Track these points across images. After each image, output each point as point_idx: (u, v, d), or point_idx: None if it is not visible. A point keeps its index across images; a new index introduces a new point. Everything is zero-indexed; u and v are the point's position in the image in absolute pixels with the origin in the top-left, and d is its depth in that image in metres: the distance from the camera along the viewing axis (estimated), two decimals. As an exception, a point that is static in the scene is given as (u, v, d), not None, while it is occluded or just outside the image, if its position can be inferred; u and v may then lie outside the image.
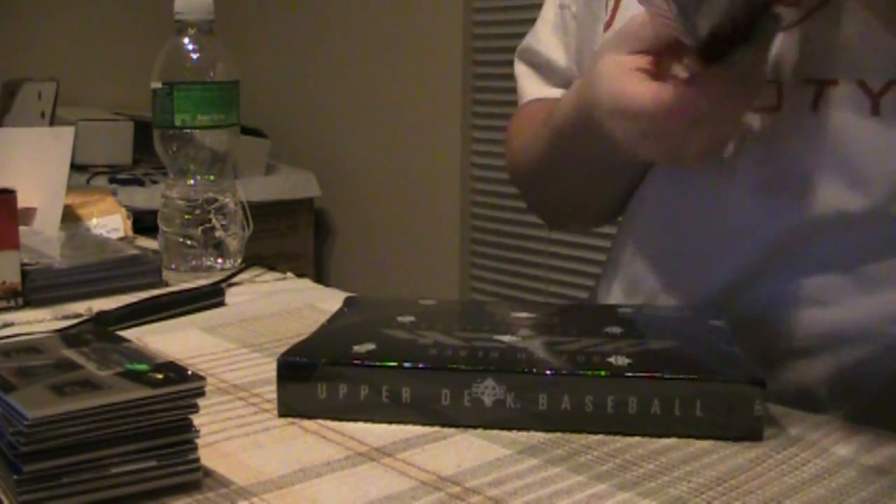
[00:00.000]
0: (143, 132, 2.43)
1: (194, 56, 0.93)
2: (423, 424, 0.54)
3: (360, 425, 0.54)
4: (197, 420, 0.46)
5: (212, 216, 0.93)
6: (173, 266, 0.92)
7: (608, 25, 0.74)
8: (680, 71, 0.61)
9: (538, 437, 0.52)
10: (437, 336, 0.59)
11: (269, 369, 0.61)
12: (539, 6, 0.87)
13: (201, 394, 0.45)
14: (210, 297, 0.81)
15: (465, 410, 0.53)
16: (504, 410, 0.53)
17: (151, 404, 0.44)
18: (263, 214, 1.61)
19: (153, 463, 0.44)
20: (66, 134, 1.01)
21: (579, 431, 0.53)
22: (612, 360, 0.54)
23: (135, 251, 0.88)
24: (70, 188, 0.99)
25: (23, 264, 0.79)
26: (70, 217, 1.00)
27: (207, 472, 0.47)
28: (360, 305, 0.68)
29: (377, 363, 0.54)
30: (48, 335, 0.54)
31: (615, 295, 0.77)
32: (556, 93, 0.82)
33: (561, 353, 0.55)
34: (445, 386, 0.53)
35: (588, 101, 0.65)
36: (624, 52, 0.62)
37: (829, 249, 0.63)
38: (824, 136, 0.62)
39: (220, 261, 0.93)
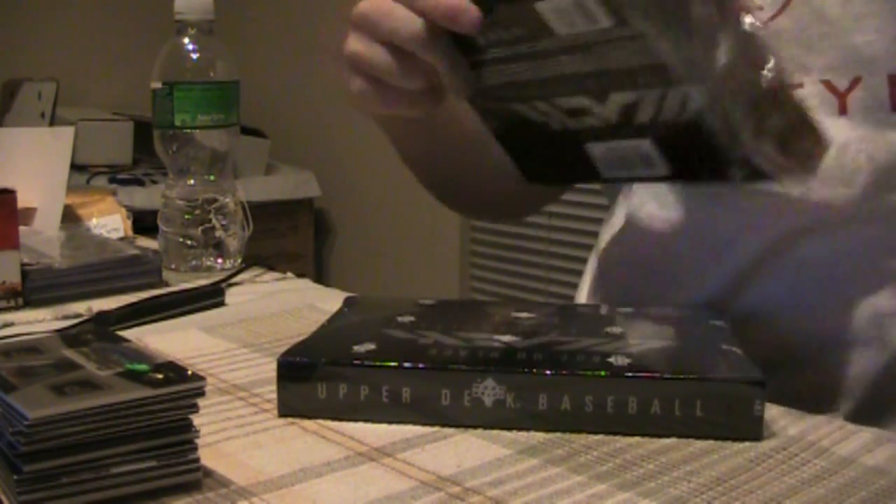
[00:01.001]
0: (143, 132, 2.43)
1: (194, 56, 0.93)
2: (423, 424, 0.54)
3: (360, 425, 0.54)
4: (197, 420, 0.46)
5: (212, 216, 0.93)
6: (173, 266, 0.92)
7: None
8: None
9: (538, 437, 0.52)
10: (437, 336, 0.59)
11: (269, 369, 0.61)
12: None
13: (201, 394, 0.45)
14: (210, 297, 0.81)
15: (465, 410, 0.53)
16: (504, 410, 0.53)
17: (151, 404, 0.44)
18: (263, 214, 1.60)
19: (153, 463, 0.44)
20: (66, 134, 1.01)
21: (579, 431, 0.52)
22: (612, 360, 0.54)
23: (135, 251, 0.88)
24: (70, 188, 0.99)
25: (23, 264, 0.79)
26: (70, 217, 1.00)
27: (207, 472, 0.47)
28: (360, 305, 0.68)
29: (377, 363, 0.54)
30: (48, 335, 0.54)
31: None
32: None
33: (561, 353, 0.55)
34: (445, 386, 0.53)
35: None
36: None
37: (812, 253, 0.63)
38: None
39: (220, 261, 0.93)
